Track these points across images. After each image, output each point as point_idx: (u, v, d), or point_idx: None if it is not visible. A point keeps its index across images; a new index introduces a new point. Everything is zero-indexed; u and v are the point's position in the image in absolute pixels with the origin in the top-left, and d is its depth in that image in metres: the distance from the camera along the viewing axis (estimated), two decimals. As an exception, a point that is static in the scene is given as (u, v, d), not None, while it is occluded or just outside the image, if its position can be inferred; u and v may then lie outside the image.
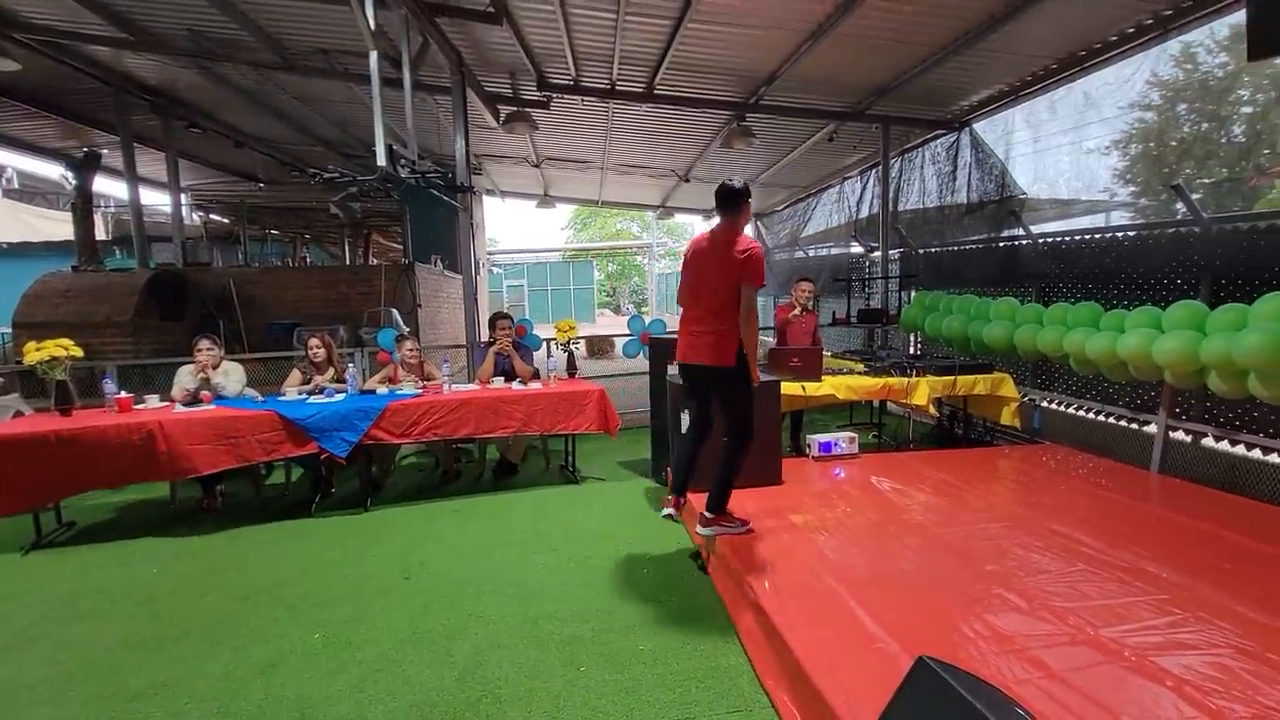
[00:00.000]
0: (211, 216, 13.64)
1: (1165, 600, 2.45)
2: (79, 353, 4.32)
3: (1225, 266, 4.02)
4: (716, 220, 3.15)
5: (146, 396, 4.36)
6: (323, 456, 4.19)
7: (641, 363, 5.99)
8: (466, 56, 5.66)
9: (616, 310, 33.22)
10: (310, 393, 4.57)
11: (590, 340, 13.83)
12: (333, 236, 15.13)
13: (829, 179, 9.43)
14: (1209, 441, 4.12)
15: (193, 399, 4.32)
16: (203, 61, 6.28)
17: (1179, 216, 4.37)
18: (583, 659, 2.49)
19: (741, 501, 3.69)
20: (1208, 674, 1.98)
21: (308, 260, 14.79)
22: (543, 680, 2.36)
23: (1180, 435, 4.28)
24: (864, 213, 8.26)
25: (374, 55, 4.09)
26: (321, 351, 4.78)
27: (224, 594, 3.14)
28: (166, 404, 4.32)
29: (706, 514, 3.19)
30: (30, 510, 3.85)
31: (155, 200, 11.80)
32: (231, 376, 4.58)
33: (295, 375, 4.75)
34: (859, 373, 5.05)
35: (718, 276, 2.99)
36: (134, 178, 7.93)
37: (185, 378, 4.44)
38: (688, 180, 10.10)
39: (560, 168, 10.29)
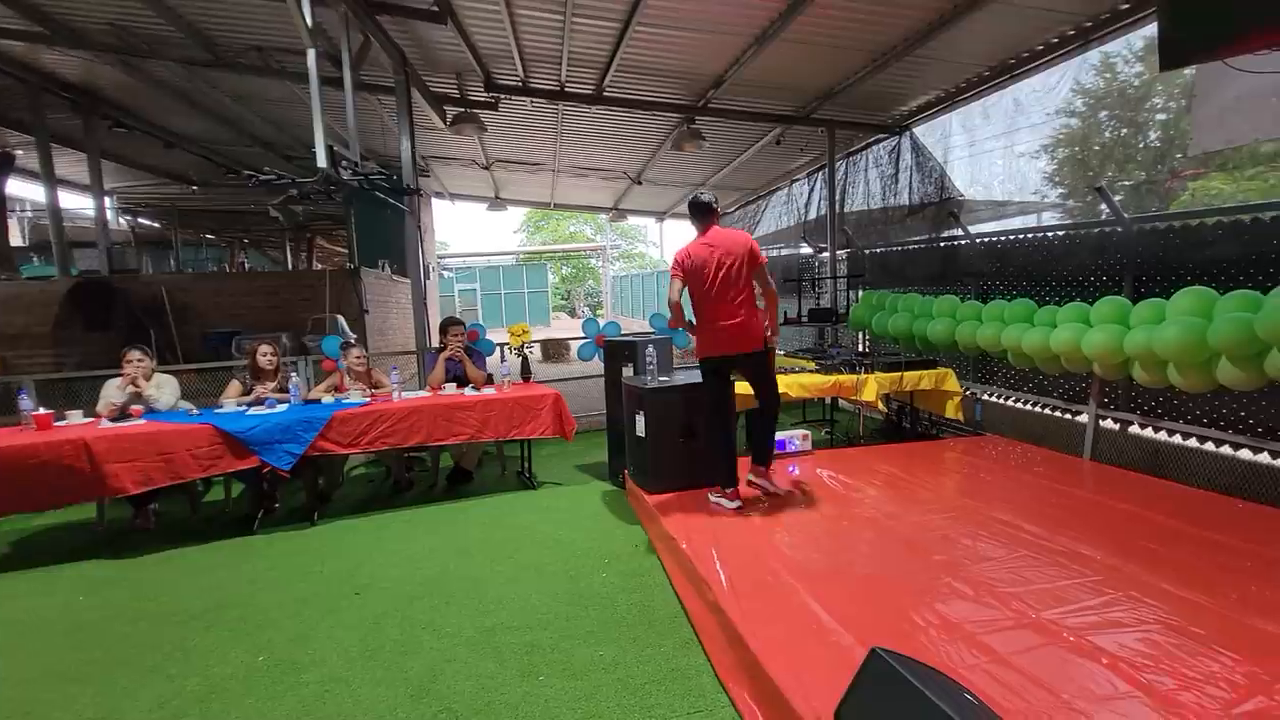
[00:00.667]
0: (140, 221, 12.94)
1: (1099, 581, 2.57)
2: (-9, 367, 4.03)
3: (1145, 264, 4.27)
4: (711, 229, 3.60)
5: (69, 413, 4.09)
6: (265, 470, 4.01)
7: (597, 365, 5.97)
8: (411, 56, 5.53)
9: (572, 313, 33.05)
10: (250, 404, 4.37)
11: (545, 344, 13.71)
12: (274, 241, 14.59)
13: (778, 181, 9.62)
14: (1135, 429, 4.37)
15: (121, 414, 4.08)
16: (127, 58, 5.95)
17: (1103, 217, 4.62)
18: (541, 668, 2.45)
19: (698, 501, 3.72)
20: (1138, 650, 2.09)
21: (246, 266, 14.21)
22: (500, 692, 2.31)
23: (1109, 424, 4.52)
24: (812, 214, 8.46)
25: (312, 53, 3.95)
26: (275, 359, 4.60)
27: (158, 619, 2.96)
28: (91, 420, 4.06)
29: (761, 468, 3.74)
30: (-64, 539, 3.56)
31: (78, 203, 11.13)
32: (164, 389, 4.34)
33: (234, 386, 4.54)
34: (811, 371, 5.16)
35: (735, 271, 3.47)
36: (52, 180, 7.44)
37: (112, 391, 4.18)
38: (640, 183, 10.14)
39: (511, 170, 10.18)
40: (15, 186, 9.02)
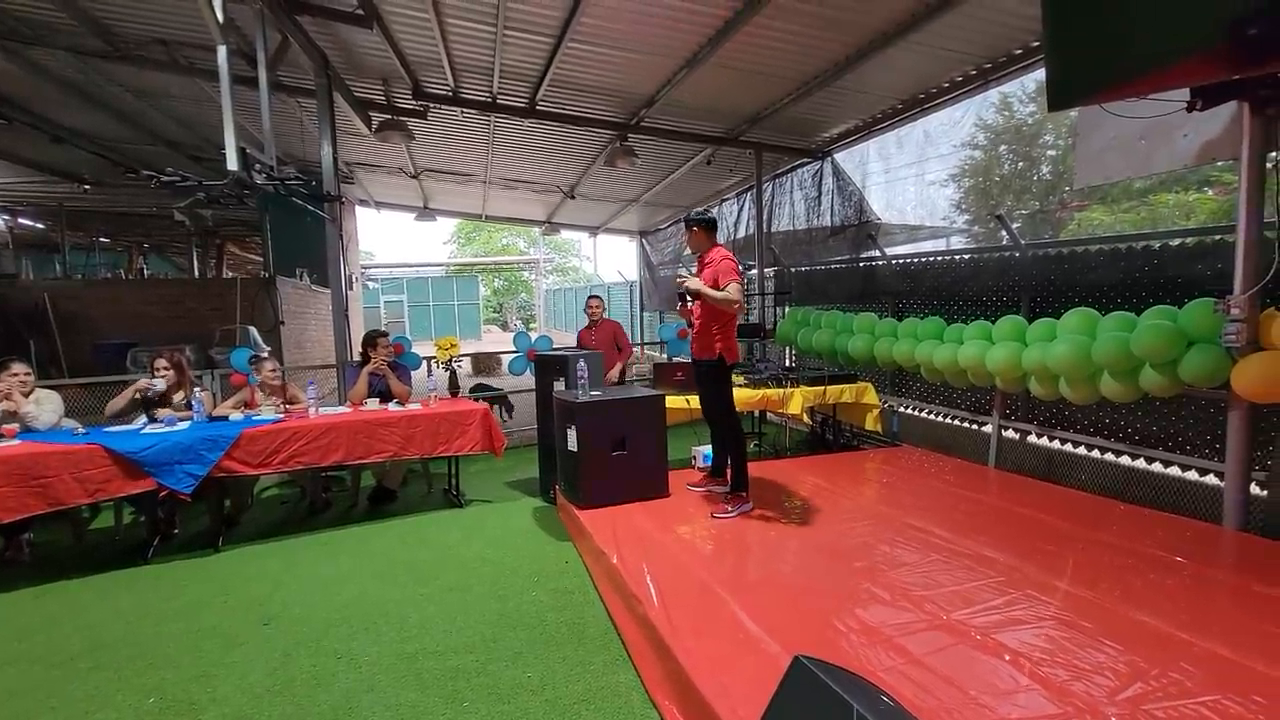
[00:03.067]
0: (21, 221, 11.77)
1: (1002, 582, 2.75)
2: None
3: (1040, 286, 4.65)
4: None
5: (-75, 433, 3.64)
6: (162, 494, 3.70)
7: (528, 380, 5.89)
8: (334, 59, 5.33)
9: (504, 327, 32.51)
10: (149, 419, 4.03)
11: (476, 357, 13.40)
12: (179, 246, 13.63)
13: (708, 200, 9.85)
14: (1032, 438, 4.72)
15: (-10, 434, 3.67)
16: (6, 43, 5.42)
17: (1004, 242, 5.00)
18: (466, 693, 2.37)
19: (629, 515, 3.72)
20: (1037, 645, 2.24)
21: (145, 273, 13.17)
22: (422, 721, 2.21)
23: (1010, 434, 4.87)
24: (741, 233, 8.71)
25: (223, 50, 3.73)
26: (170, 374, 4.23)
27: (30, 661, 2.67)
28: (-46, 441, 3.62)
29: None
30: None
31: (-57, 200, 10.02)
32: (45, 406, 3.95)
33: (127, 391, 4.15)
34: (739, 385, 5.28)
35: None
36: (-87, 173, 6.66)
37: (-20, 409, 3.76)
38: (574, 197, 10.13)
39: (440, 180, 9.94)
40: None
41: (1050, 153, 12.58)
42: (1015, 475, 4.57)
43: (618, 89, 5.81)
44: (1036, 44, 4.41)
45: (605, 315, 6.16)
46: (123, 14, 4.97)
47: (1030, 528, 3.44)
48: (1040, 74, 4.56)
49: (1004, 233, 4.85)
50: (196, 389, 4.34)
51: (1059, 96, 3.02)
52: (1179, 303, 3.43)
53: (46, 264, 12.20)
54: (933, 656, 2.17)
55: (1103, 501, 3.89)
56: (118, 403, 4.14)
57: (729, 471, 3.94)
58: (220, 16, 3.61)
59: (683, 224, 3.99)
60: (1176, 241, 3.86)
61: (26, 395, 3.89)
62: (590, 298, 6.14)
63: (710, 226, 3.90)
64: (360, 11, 4.55)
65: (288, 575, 3.52)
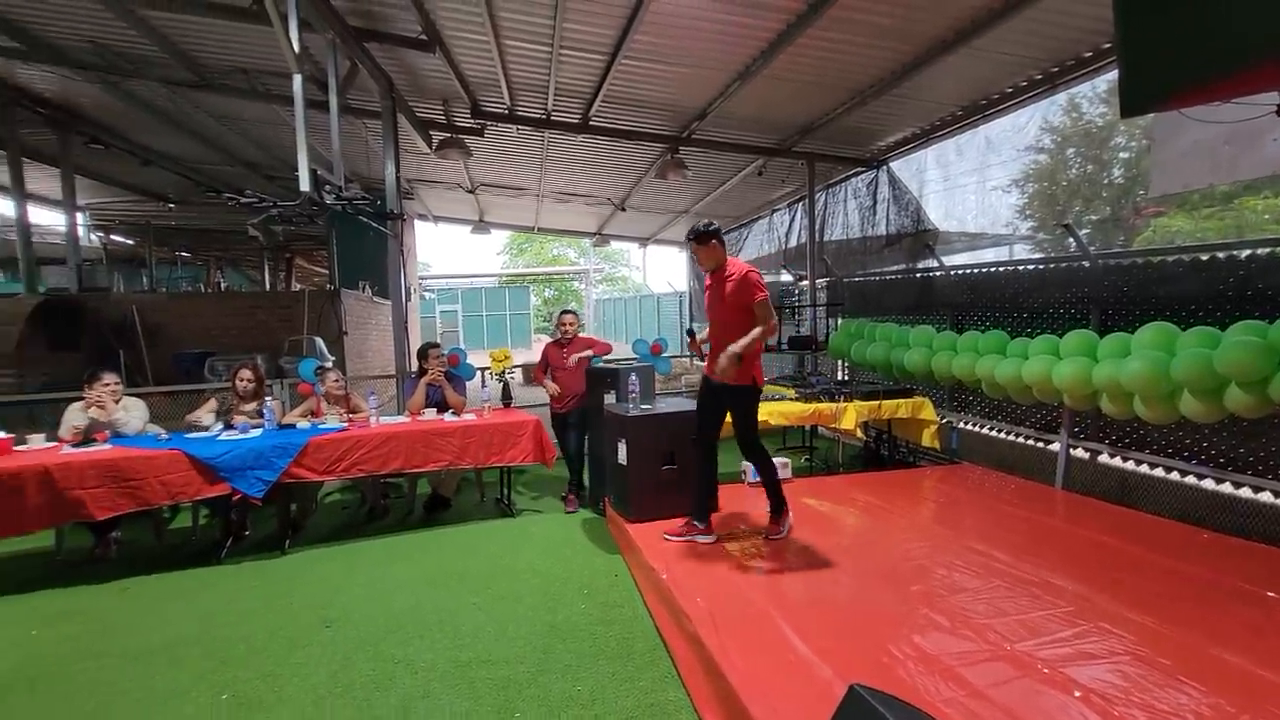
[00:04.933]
0: (113, 238, 12.71)
1: (1071, 612, 2.61)
2: (-50, 389, 3.90)
3: (1111, 298, 4.41)
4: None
5: (30, 437, 3.96)
6: (235, 498, 3.91)
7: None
8: (398, 82, 5.57)
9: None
10: (225, 425, 4.28)
11: (527, 368, 13.63)
12: (252, 260, 14.42)
13: (759, 210, 9.79)
14: (1104, 458, 4.47)
15: (86, 438, 3.96)
16: (108, 76, 5.91)
17: (1071, 251, 4.78)
18: (517, 704, 2.40)
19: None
20: (1110, 682, 2.11)
21: (222, 285, 13.99)
22: (475, 730, 2.26)
23: (1080, 453, 4.62)
24: (793, 242, 8.62)
25: (298, 79, 3.96)
26: (253, 386, 4.54)
27: (116, 656, 2.85)
28: (53, 445, 3.93)
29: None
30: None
31: (48, 219, 10.90)
32: (132, 413, 4.23)
33: (211, 402, 4.45)
34: (791, 399, 5.20)
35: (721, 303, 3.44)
36: (21, 194, 7.31)
37: (74, 415, 4.05)
38: (624, 209, 10.24)
39: (495, 194, 10.22)
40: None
41: (1123, 155, 11.95)
42: (1085, 497, 4.34)
43: (669, 103, 5.86)
44: (1108, 45, 4.22)
45: (579, 332, 5.17)
46: (209, 46, 5.35)
47: (1102, 554, 3.25)
48: (1112, 75, 4.36)
49: (1072, 241, 4.64)
50: (267, 398, 4.58)
51: (1133, 102, 2.86)
52: (1270, 317, 3.20)
53: (134, 278, 13.13)
54: (996, 689, 2.08)
55: (1183, 528, 3.65)
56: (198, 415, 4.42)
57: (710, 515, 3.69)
58: (297, 46, 3.83)
59: (690, 242, 3.51)
60: (1266, 250, 3.60)
61: (116, 403, 4.18)
62: (564, 312, 5.19)
63: (721, 236, 3.45)
64: (424, 37, 4.75)
65: (347, 580, 3.66)
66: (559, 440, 5.07)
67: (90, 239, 11.90)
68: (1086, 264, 4.58)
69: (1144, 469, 4.21)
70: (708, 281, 3.57)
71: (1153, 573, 3.00)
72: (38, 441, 3.93)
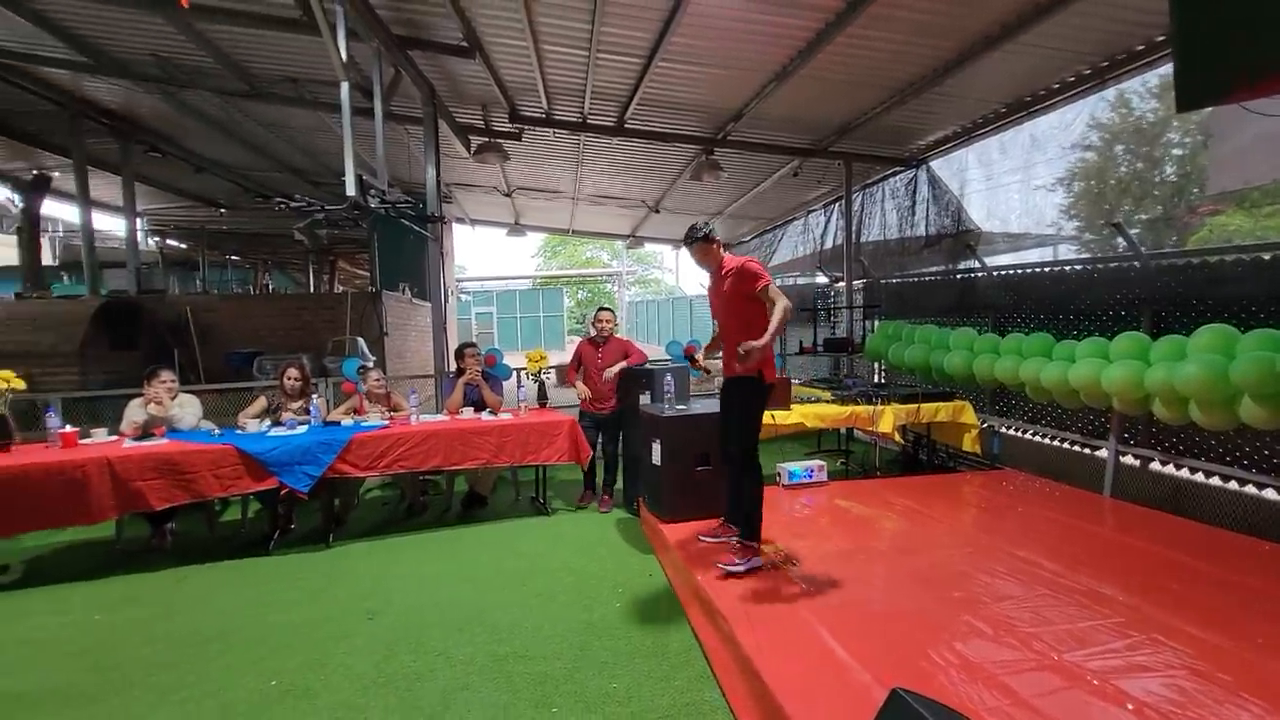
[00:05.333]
0: (168, 242, 13.29)
1: (1122, 623, 2.52)
2: (21, 384, 4.14)
3: (1163, 299, 4.25)
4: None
5: (93, 431, 4.18)
6: (283, 492, 4.05)
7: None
8: (439, 88, 5.70)
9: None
10: (273, 423, 4.44)
11: (561, 369, 13.76)
12: (297, 263, 14.89)
13: (795, 211, 9.69)
14: (1156, 466, 4.30)
15: (144, 433, 4.15)
16: (167, 87, 6.19)
17: (1121, 251, 4.61)
18: (554, 699, 2.44)
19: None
20: (1165, 695, 2.04)
21: (270, 287, 14.48)
22: (513, 722, 2.30)
23: (1130, 460, 4.46)
24: (828, 244, 8.50)
25: (345, 86, 4.09)
26: (300, 384, 4.70)
27: (171, 641, 2.98)
28: (115, 438, 4.14)
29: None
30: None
31: (108, 225, 11.45)
32: (187, 409, 4.42)
33: (260, 402, 4.62)
34: (826, 401, 5.14)
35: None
36: (86, 201, 7.70)
37: (135, 411, 4.26)
38: (658, 211, 10.26)
39: (531, 197, 10.36)
40: (46, 207, 9.31)
41: (1176, 152, 11.47)
42: (1135, 506, 4.18)
43: (705, 105, 5.86)
44: (1161, 38, 4.06)
45: (615, 333, 5.12)
46: (260, 56, 5.57)
47: (1154, 564, 3.14)
48: (1165, 69, 4.20)
49: (1121, 240, 4.48)
50: (314, 396, 4.73)
51: (1189, 97, 2.77)
52: (1339, 320, 3.04)
53: (188, 280, 13.71)
54: (1043, 699, 2.03)
55: (1243, 539, 3.49)
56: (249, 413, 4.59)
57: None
58: (344, 55, 3.95)
59: (687, 248, 3.42)
60: (1335, 250, 3.43)
61: (173, 399, 4.37)
62: (601, 309, 5.11)
63: (714, 237, 3.36)
64: (465, 44, 4.85)
65: (388, 573, 3.75)
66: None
67: (147, 243, 12.47)
68: (1137, 264, 4.42)
69: (1199, 477, 4.04)
70: (710, 284, 3.48)
71: (1210, 584, 2.88)
72: (100, 436, 4.14)
